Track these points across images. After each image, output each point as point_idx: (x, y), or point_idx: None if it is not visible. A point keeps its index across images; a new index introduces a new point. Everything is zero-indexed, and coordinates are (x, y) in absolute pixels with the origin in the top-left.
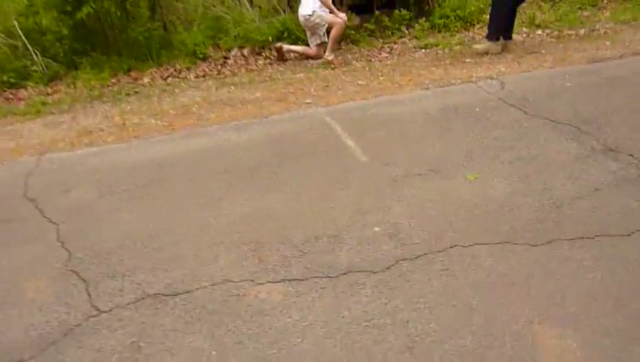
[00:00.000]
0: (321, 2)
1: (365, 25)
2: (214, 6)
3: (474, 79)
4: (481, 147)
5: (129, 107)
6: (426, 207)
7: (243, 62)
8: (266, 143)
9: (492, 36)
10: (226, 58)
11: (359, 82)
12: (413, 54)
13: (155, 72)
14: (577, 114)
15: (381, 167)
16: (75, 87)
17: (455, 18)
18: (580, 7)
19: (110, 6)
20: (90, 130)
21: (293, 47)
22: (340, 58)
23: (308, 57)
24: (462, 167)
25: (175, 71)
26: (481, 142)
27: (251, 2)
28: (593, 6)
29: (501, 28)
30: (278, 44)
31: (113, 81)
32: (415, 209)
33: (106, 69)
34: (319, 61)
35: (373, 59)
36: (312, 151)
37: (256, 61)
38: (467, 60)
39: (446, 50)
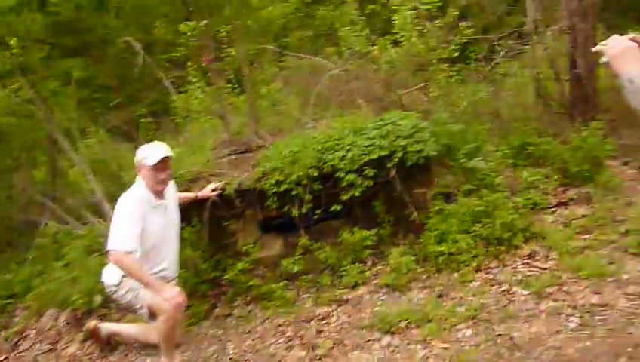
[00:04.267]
0: (124, 270)
1: (286, 259)
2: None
3: None
4: None
5: None
6: None
7: (47, 345)
8: None
9: None
10: (23, 335)
11: None
12: (362, 353)
13: None
14: None
15: None
16: None
17: (472, 239)
18: None
19: None
20: None
21: (119, 329)
22: None
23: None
24: None
25: None
26: None
27: None
28: None
29: None
30: (92, 323)
31: None
32: None
33: None
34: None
35: None
36: None
37: (67, 345)
38: None
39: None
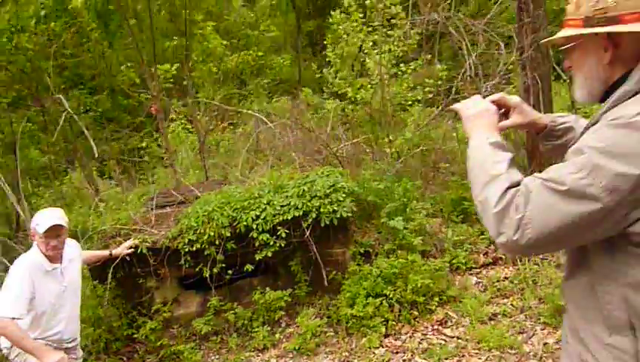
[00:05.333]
0: (7, 337)
1: (199, 319)
2: None
3: None
4: None
5: None
6: None
7: None
8: None
9: None
10: None
11: None
12: None
13: None
14: None
15: None
16: None
17: (387, 302)
18: None
19: None
20: None
21: None
22: None
23: None
24: None
25: None
26: None
27: None
28: None
29: None
30: None
31: None
32: None
33: None
34: None
35: None
36: None
37: None
38: None
39: None
